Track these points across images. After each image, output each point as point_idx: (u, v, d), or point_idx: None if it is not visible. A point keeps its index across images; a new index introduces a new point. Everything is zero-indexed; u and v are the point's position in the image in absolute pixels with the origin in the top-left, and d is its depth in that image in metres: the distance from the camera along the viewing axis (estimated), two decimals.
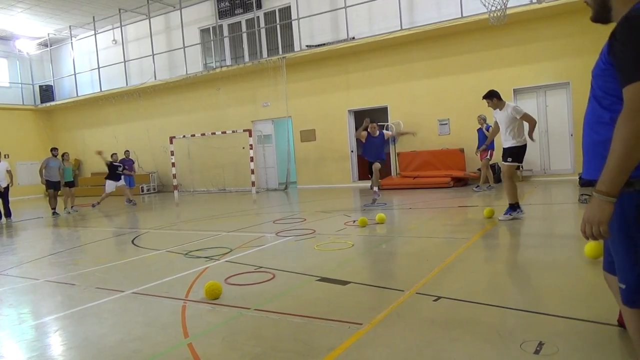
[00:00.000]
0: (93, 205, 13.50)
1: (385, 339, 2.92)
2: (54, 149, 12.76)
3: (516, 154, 6.66)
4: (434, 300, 3.57)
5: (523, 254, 5.17)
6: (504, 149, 6.81)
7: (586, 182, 1.90)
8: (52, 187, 12.29)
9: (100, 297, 4.35)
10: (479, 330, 3.00)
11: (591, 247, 4.30)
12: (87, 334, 3.43)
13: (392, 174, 14.05)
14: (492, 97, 6.86)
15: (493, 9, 7.29)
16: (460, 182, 12.18)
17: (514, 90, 12.27)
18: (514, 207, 6.57)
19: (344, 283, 4.23)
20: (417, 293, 3.78)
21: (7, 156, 12.04)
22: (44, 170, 12.25)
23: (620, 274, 1.77)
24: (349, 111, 14.75)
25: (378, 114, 14.43)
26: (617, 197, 1.62)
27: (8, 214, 11.52)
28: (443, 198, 10.16)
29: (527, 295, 3.58)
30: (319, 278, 4.44)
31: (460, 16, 11.88)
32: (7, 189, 11.56)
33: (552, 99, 12.10)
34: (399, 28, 12.81)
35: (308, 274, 4.61)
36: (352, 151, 14.83)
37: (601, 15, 1.84)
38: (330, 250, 5.70)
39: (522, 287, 3.84)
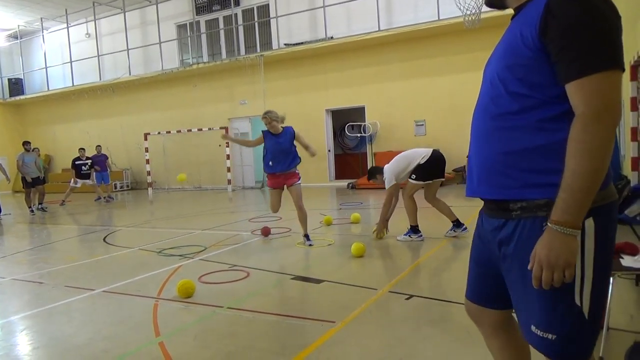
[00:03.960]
0: (61, 204, 13.08)
1: (357, 337, 2.95)
2: (26, 143, 11.99)
3: (420, 173, 5.73)
4: (406, 299, 3.62)
5: None
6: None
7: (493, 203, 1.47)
8: (32, 184, 11.54)
9: (70, 295, 4.26)
10: (449, 328, 3.05)
11: (357, 247, 5.05)
12: (55, 333, 3.35)
13: None
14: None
15: (468, 12, 7.40)
16: None
17: None
18: (415, 229, 5.82)
19: (319, 282, 4.24)
20: (389, 292, 3.82)
21: None
22: (20, 169, 11.51)
23: (544, 323, 1.34)
24: (327, 110, 14.78)
25: (356, 114, 14.52)
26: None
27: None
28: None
29: None
30: (293, 276, 4.45)
31: (437, 19, 12.04)
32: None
33: None
34: (377, 29, 12.91)
35: (283, 273, 4.62)
36: (329, 150, 14.86)
37: None
38: (306, 248, 5.71)
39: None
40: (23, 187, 11.86)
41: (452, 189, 11.59)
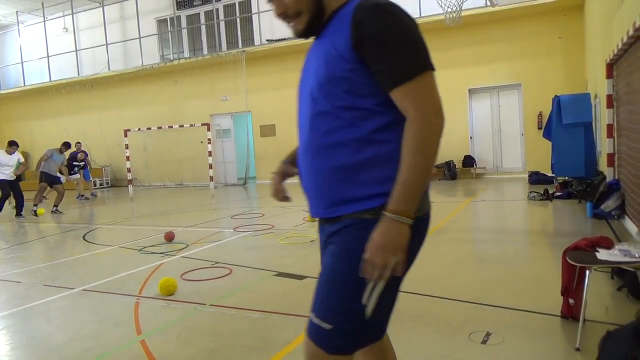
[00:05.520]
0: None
1: None
2: (66, 144, 11.69)
3: None
4: None
5: (474, 249, 5.36)
6: None
7: (324, 221, 1.48)
8: (48, 181, 10.99)
9: (48, 294, 4.19)
10: (430, 321, 3.09)
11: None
12: (34, 333, 3.29)
13: None
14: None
15: (449, 10, 7.47)
16: None
17: (469, 90, 12.64)
18: None
19: (301, 277, 4.25)
20: None
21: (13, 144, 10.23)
22: (43, 162, 10.92)
23: (327, 312, 1.36)
24: None
25: None
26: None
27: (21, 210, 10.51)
28: None
29: (477, 288, 3.71)
30: (276, 273, 4.45)
31: (418, 16, 12.10)
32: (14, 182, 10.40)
33: (504, 99, 12.55)
34: None
35: (266, 269, 4.61)
36: None
37: (316, 21, 1.39)
38: (288, 245, 5.71)
39: (472, 281, 3.98)
40: (40, 182, 11.32)
41: (433, 185, 11.71)
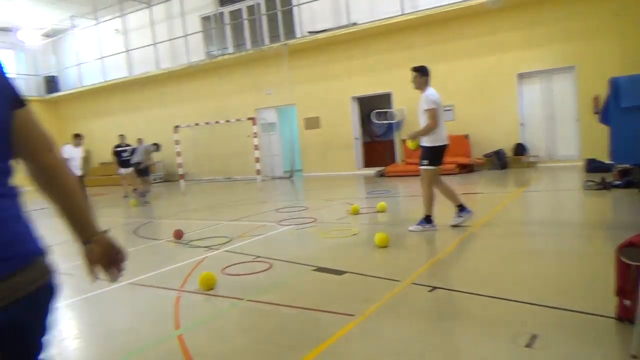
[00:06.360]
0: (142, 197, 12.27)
1: (376, 331, 2.89)
2: (156, 145, 12.26)
3: (431, 156, 5.53)
4: (429, 291, 3.53)
5: (522, 243, 5.10)
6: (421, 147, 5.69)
7: None
8: (142, 174, 11.80)
9: (97, 287, 4.35)
10: (471, 321, 2.95)
11: (381, 237, 4.98)
12: (79, 327, 3.43)
13: (397, 161, 13.95)
14: (417, 72, 5.59)
15: None
16: (466, 168, 12.05)
17: (519, 75, 12.06)
18: (428, 219, 5.60)
19: (340, 273, 4.19)
20: (412, 283, 3.73)
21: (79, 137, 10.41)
22: (144, 155, 11.69)
23: None
24: (353, 98, 14.61)
25: (382, 101, 14.30)
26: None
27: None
28: None
29: (523, 286, 3.52)
30: (315, 268, 4.41)
31: (461, 0, 11.64)
32: (83, 178, 10.58)
33: (557, 83, 11.87)
34: (401, 12, 12.60)
35: (305, 264, 4.58)
36: (356, 138, 14.72)
37: None
38: (330, 239, 5.66)
39: (518, 278, 3.78)
40: (137, 175, 12.04)
41: (483, 175, 11.31)
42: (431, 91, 5.53)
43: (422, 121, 5.53)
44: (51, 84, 21.58)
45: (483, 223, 5.77)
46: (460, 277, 3.97)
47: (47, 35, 20.99)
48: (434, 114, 5.41)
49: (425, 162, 5.55)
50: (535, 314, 2.97)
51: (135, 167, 11.81)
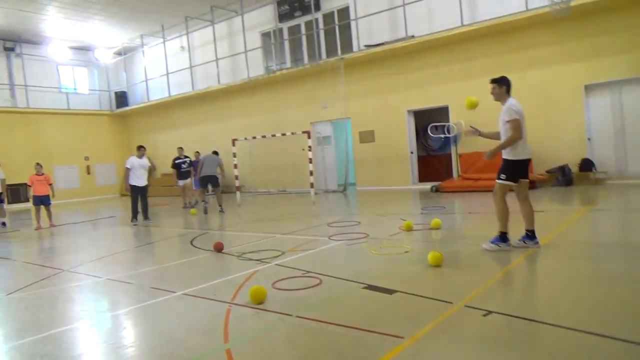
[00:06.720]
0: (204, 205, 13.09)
1: (426, 356, 2.78)
2: (215, 152, 13.06)
3: (511, 170, 5.28)
4: (483, 315, 3.36)
5: (589, 267, 4.76)
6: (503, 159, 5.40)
7: None
8: (207, 182, 12.46)
9: (152, 297, 4.50)
10: (530, 351, 2.77)
11: (434, 256, 4.83)
12: (132, 336, 3.55)
13: (454, 176, 13.58)
14: (496, 83, 5.46)
15: (557, 0, 6.78)
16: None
17: (585, 87, 11.43)
18: (503, 237, 5.30)
19: (391, 292, 4.09)
20: (466, 306, 3.57)
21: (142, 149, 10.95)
22: (200, 167, 12.34)
23: None
24: (409, 111, 14.43)
25: (438, 114, 14.02)
26: None
27: (146, 215, 11.06)
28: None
29: (589, 314, 3.27)
30: (365, 286, 4.34)
31: (525, 9, 11.24)
32: (146, 188, 11.06)
33: (628, 95, 11.13)
34: (460, 24, 12.35)
35: (355, 281, 4.52)
36: (411, 152, 14.50)
37: None
38: (381, 256, 5.56)
39: (584, 305, 3.52)
40: (199, 187, 12.98)
41: (545, 192, 10.76)
42: (513, 102, 5.37)
43: (503, 133, 5.34)
44: (121, 99, 22.95)
45: (546, 244, 5.46)
46: (518, 302, 3.77)
47: (119, 53, 22.37)
48: (517, 125, 5.20)
49: (503, 176, 5.29)
50: (602, 346, 2.75)
51: (211, 180, 12.37)
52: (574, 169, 11.48)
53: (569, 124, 11.57)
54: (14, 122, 19.86)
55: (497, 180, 5.38)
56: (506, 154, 5.31)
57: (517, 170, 5.28)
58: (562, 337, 2.95)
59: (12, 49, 20.15)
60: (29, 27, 18.72)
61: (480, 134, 5.75)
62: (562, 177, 11.33)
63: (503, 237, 5.31)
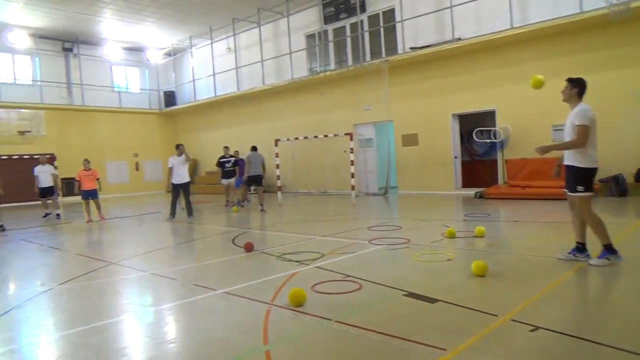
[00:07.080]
0: (242, 204, 13.84)
1: None
2: (253, 148, 13.26)
3: (586, 180, 4.93)
4: (530, 330, 3.23)
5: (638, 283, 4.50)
6: (566, 169, 5.11)
7: None
8: (253, 181, 12.76)
9: (195, 294, 4.60)
10: None
11: (478, 265, 4.71)
12: (175, 330, 3.62)
13: (499, 183, 13.19)
14: (569, 83, 5.12)
15: (614, 1, 6.43)
16: None
17: None
18: (610, 249, 4.89)
19: (433, 301, 4.00)
20: (512, 320, 3.45)
21: (180, 147, 11.17)
22: (247, 166, 12.67)
23: None
24: (454, 115, 14.13)
25: (485, 119, 13.66)
26: None
27: (190, 212, 11.38)
28: (554, 211, 9.28)
29: (636, 334, 3.09)
30: (406, 293, 4.26)
31: (579, 11, 10.77)
32: (188, 185, 11.32)
33: None
34: (509, 27, 11.97)
35: (396, 287, 4.45)
36: (455, 157, 14.19)
37: None
38: (423, 263, 5.46)
39: (630, 323, 3.32)
40: (245, 185, 13.44)
41: (597, 202, 10.25)
42: (587, 107, 4.95)
43: (568, 134, 5.01)
44: (170, 98, 23.71)
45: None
46: (568, 318, 3.60)
47: (168, 53, 23.08)
48: (586, 132, 4.82)
49: (581, 187, 4.92)
50: None
51: (256, 179, 12.60)
52: (629, 178, 10.90)
53: (625, 132, 11.01)
54: (70, 119, 20.92)
55: (575, 194, 5.00)
56: (577, 162, 4.95)
57: (591, 179, 4.97)
58: (610, 357, 2.79)
59: (70, 50, 21.18)
60: (86, 29, 19.61)
61: (550, 148, 5.18)
62: (616, 187, 10.79)
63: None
